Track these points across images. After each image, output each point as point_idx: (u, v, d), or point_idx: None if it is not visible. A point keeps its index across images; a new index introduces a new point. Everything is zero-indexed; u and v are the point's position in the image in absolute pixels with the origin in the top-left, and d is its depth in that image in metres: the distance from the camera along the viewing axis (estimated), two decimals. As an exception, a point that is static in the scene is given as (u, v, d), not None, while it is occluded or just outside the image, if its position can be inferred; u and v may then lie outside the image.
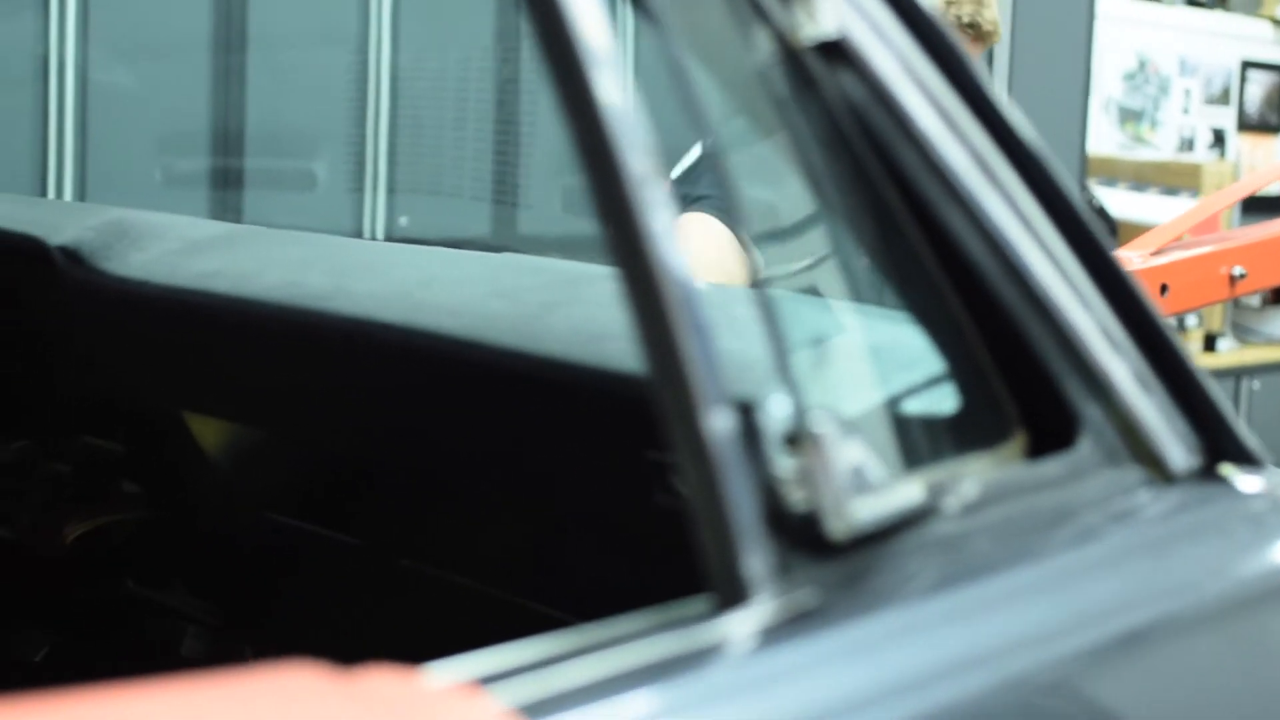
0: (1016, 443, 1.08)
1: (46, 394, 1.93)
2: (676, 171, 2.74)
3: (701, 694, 0.83)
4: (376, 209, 4.51)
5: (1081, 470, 1.08)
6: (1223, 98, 6.95)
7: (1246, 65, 7.01)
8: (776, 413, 0.90)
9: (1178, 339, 1.14)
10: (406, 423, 1.53)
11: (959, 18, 2.80)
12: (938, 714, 0.89)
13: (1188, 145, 6.85)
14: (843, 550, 0.91)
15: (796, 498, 0.89)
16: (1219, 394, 1.15)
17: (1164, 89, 6.74)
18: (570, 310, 1.42)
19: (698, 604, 0.89)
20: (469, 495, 1.52)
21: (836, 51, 0.99)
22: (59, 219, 1.89)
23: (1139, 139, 6.62)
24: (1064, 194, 1.09)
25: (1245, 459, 1.17)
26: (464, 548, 1.56)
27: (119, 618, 2.03)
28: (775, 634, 0.87)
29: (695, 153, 2.72)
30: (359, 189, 4.51)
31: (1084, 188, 5.88)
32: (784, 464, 0.89)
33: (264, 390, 1.67)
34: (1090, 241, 1.10)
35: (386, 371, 1.50)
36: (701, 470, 0.87)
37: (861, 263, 1.04)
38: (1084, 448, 1.09)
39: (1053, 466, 1.07)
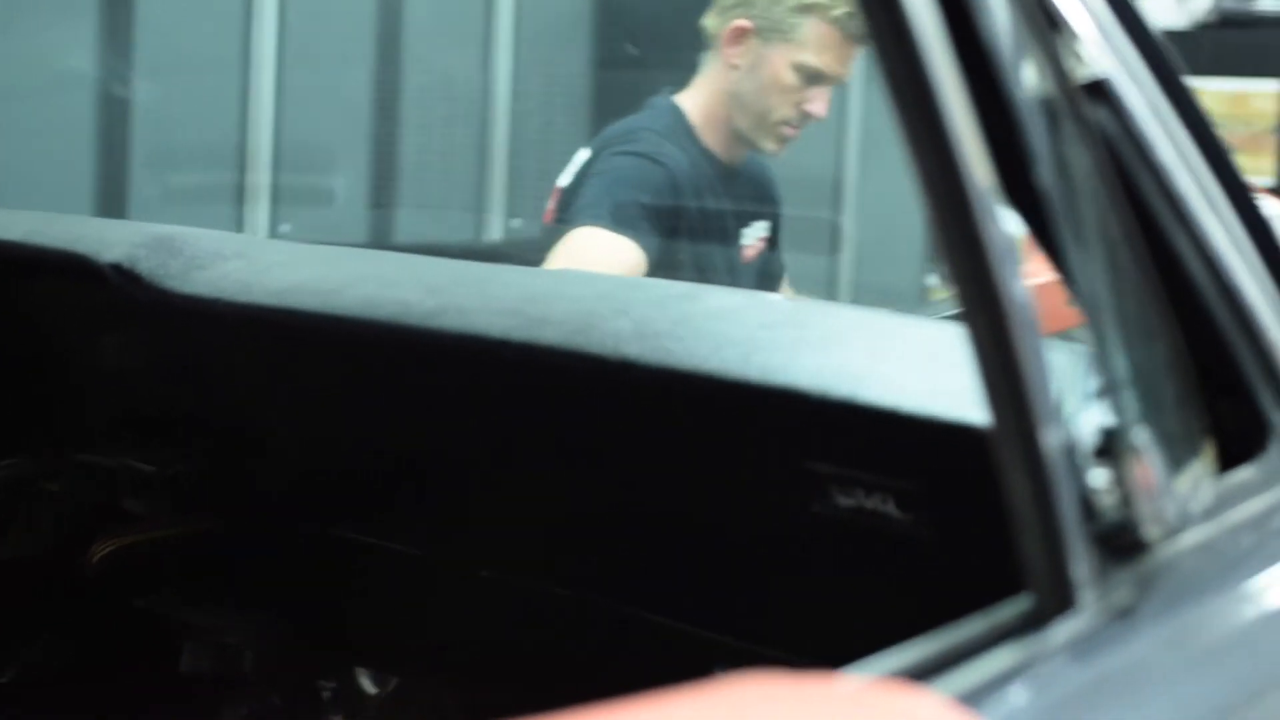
0: (1209, 452, 1.17)
1: (90, 410, 1.92)
2: (564, 180, 2.71)
3: (1076, 690, 0.90)
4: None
5: (1273, 475, 1.17)
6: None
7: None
8: (1088, 427, 0.97)
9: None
10: (531, 438, 1.56)
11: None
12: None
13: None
14: (1148, 553, 0.98)
15: (1109, 506, 0.96)
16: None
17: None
18: (700, 325, 1.47)
19: (1018, 607, 0.95)
20: (594, 508, 1.55)
21: (1098, 90, 1.06)
22: (99, 235, 1.88)
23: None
24: (1264, 221, 1.17)
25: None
26: (579, 558, 1.59)
27: (149, 636, 2.03)
28: (1104, 632, 0.94)
29: (581, 157, 2.71)
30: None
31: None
32: (1098, 475, 0.96)
33: (363, 406, 1.69)
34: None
35: (510, 385, 1.53)
36: (1031, 482, 0.93)
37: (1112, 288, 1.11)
38: (1274, 454, 1.17)
39: (1251, 472, 1.16)
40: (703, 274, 2.65)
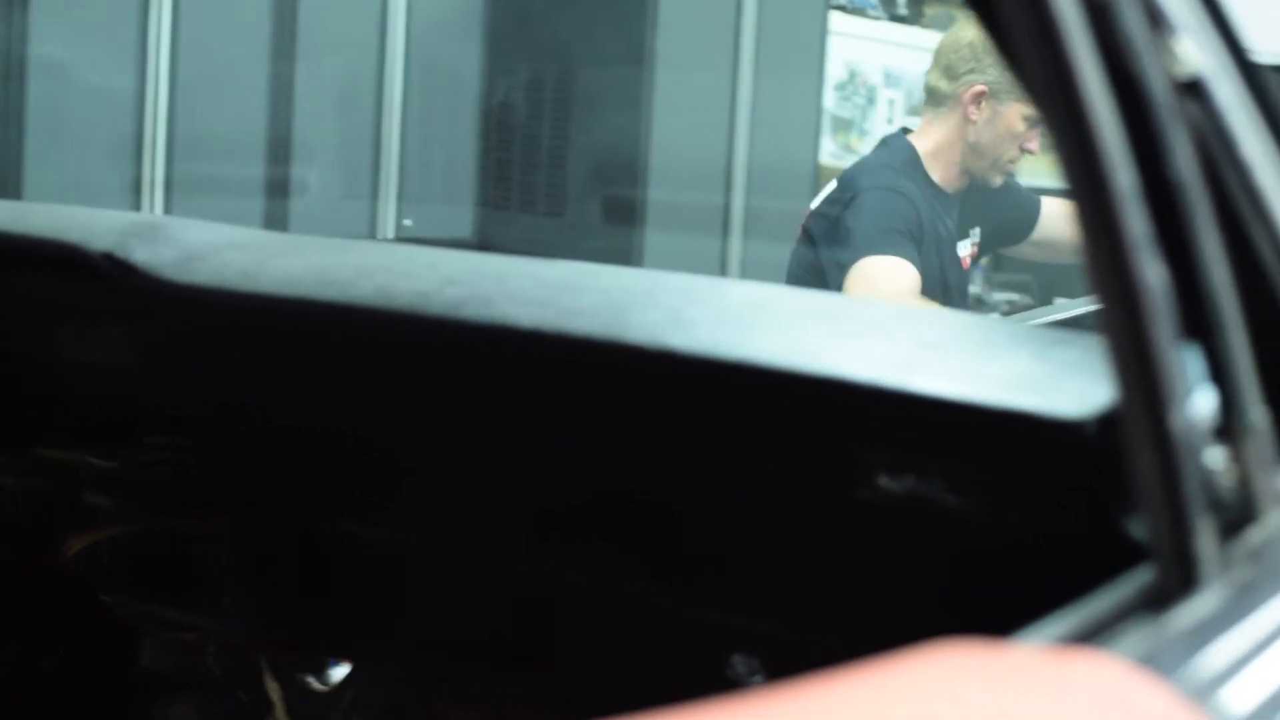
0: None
1: (83, 406, 1.90)
2: (815, 204, 3.35)
3: (1226, 661, 0.94)
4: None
5: None
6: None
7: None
8: (1205, 408, 1.01)
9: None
10: (563, 428, 1.57)
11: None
12: None
13: (891, 156, 7.19)
14: (1257, 529, 1.02)
15: (1228, 484, 1.00)
16: None
17: (872, 99, 7.07)
18: (737, 315, 1.49)
19: (1138, 582, 0.99)
20: (655, 505, 1.56)
21: (1193, 89, 1.10)
22: (84, 224, 1.86)
23: (848, 148, 6.92)
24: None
25: None
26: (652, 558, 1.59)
27: (112, 633, 2.01)
28: (1230, 608, 0.98)
29: (829, 188, 3.37)
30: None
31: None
32: (1215, 454, 1.00)
33: (376, 397, 1.68)
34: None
35: (543, 376, 1.54)
36: (1160, 462, 0.97)
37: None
38: None
39: None
40: (941, 282, 3.23)
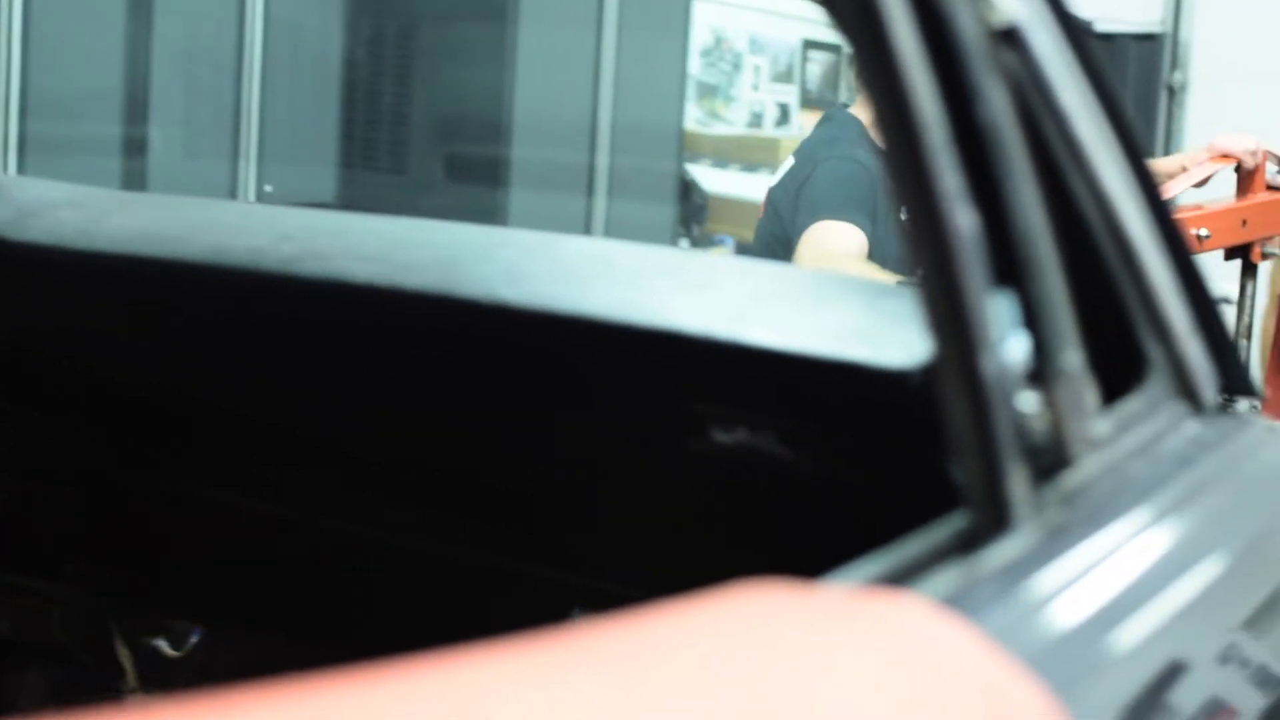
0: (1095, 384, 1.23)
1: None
2: (774, 182, 3.50)
3: (1034, 599, 0.95)
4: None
5: (1154, 406, 1.24)
6: (787, 75, 7.35)
7: (808, 45, 7.42)
8: (1017, 354, 1.01)
9: (1210, 289, 1.31)
10: (397, 383, 1.56)
11: None
12: (1195, 597, 1.03)
13: (757, 120, 7.22)
14: (1070, 474, 1.03)
15: (1040, 428, 1.01)
16: (1231, 336, 1.34)
17: (737, 65, 7.08)
18: (572, 270, 1.49)
19: (953, 526, 1.00)
20: (497, 455, 1.56)
21: (1010, 37, 1.11)
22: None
23: (715, 114, 6.93)
24: (1144, 162, 1.24)
25: (1246, 390, 1.36)
26: (489, 512, 1.59)
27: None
28: (1041, 550, 0.99)
29: (788, 164, 3.47)
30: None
31: (681, 163, 6.15)
32: (1028, 399, 1.01)
33: (210, 353, 1.66)
34: (1159, 202, 1.26)
35: (377, 330, 1.53)
36: (971, 407, 0.98)
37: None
38: (1154, 386, 1.24)
39: (1136, 403, 1.22)
40: (891, 244, 3.33)
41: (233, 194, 4.99)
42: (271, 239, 1.60)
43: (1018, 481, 0.99)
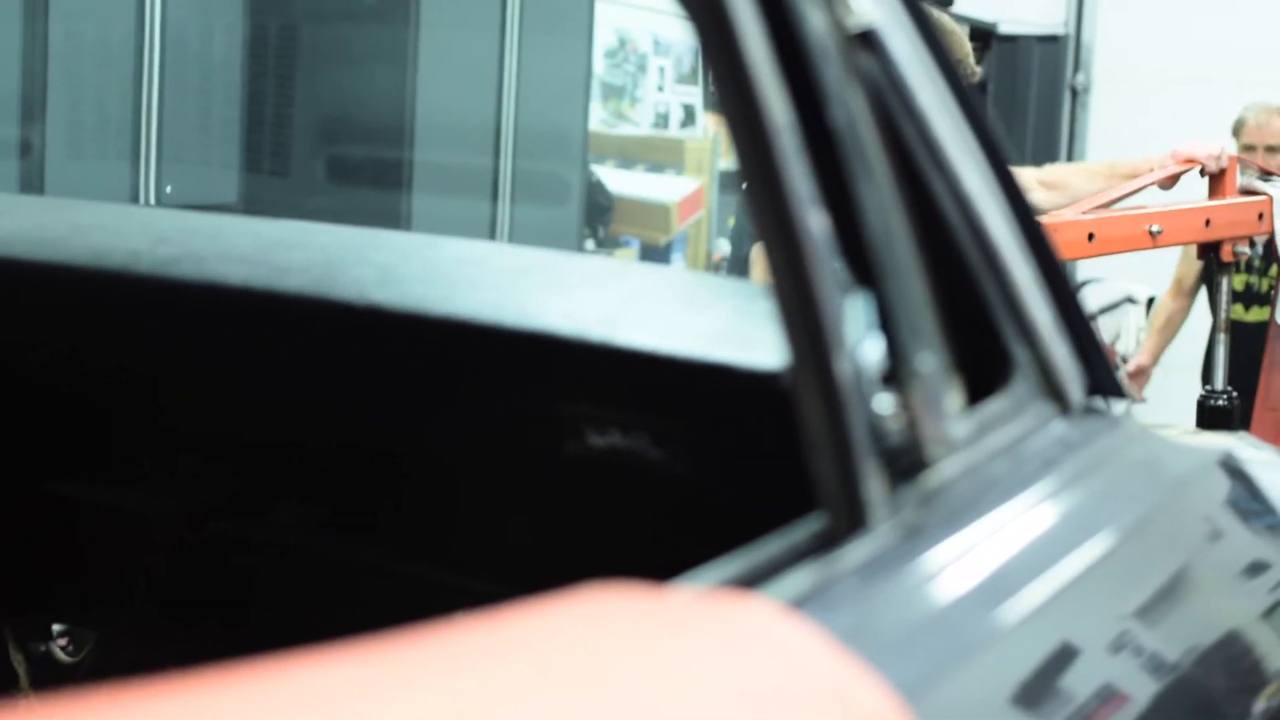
0: (959, 385, 1.24)
1: None
2: None
3: (884, 601, 0.95)
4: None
5: (1018, 405, 1.25)
6: (692, 76, 7.36)
7: (713, 47, 7.43)
8: (872, 355, 1.02)
9: (1075, 290, 1.32)
10: (272, 385, 1.55)
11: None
12: (1060, 594, 1.04)
13: (663, 121, 7.22)
14: (928, 475, 1.04)
15: (895, 430, 1.02)
16: (1100, 337, 1.35)
17: (642, 67, 7.08)
18: (447, 271, 1.49)
19: (810, 528, 1.00)
20: (368, 456, 1.55)
21: (866, 40, 1.12)
22: None
23: (620, 115, 6.93)
24: (1005, 163, 1.25)
25: (1114, 391, 1.37)
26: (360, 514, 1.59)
27: None
28: (901, 548, 1.00)
29: None
30: None
31: (586, 166, 6.14)
32: (883, 400, 1.02)
33: (87, 357, 1.65)
34: (1022, 204, 1.27)
35: (251, 333, 1.52)
36: (826, 408, 0.98)
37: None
38: (1018, 386, 1.25)
39: (1001, 404, 1.23)
40: None
41: (134, 193, 4.94)
42: (149, 241, 1.59)
43: (874, 482, 1.00)
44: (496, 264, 1.56)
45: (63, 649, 2.07)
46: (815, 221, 0.98)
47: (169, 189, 4.94)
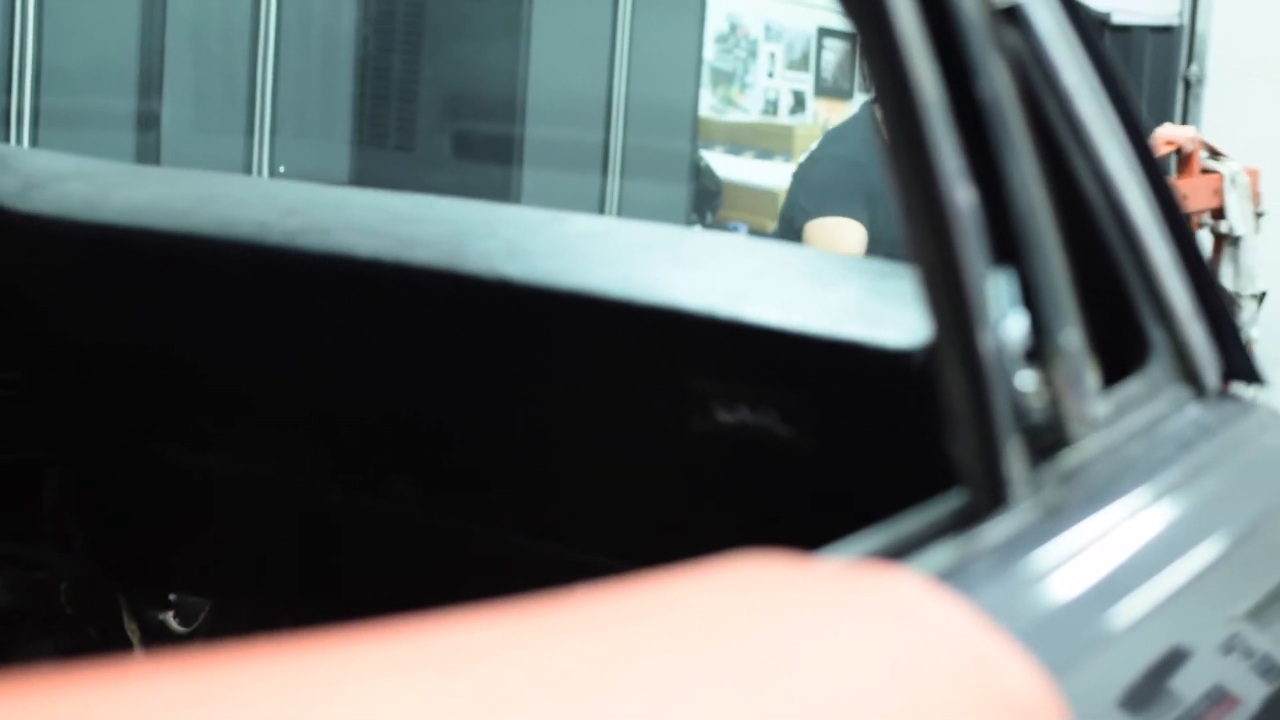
0: (1096, 365, 1.23)
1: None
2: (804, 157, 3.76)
3: (1026, 578, 0.95)
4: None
5: (1156, 389, 1.23)
6: (802, 63, 7.33)
7: (823, 33, 7.40)
8: (1016, 331, 1.01)
9: (1212, 271, 1.31)
10: (401, 358, 1.56)
11: None
12: (1190, 580, 1.03)
13: (772, 108, 7.19)
14: (1069, 454, 1.03)
15: (1038, 407, 1.01)
16: (1237, 321, 1.33)
17: (752, 53, 7.06)
18: (574, 246, 1.49)
19: (951, 504, 0.99)
20: (498, 435, 1.56)
21: (1012, 15, 1.11)
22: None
23: (730, 101, 6.91)
24: (1147, 144, 1.23)
25: (1250, 376, 1.35)
26: (493, 492, 1.59)
27: None
28: (1037, 529, 0.99)
29: (812, 147, 3.75)
30: None
31: (694, 147, 6.13)
32: (1026, 378, 1.01)
33: (216, 326, 1.67)
34: (1163, 186, 1.25)
35: (380, 305, 1.53)
36: (970, 384, 0.98)
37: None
38: (1155, 369, 1.24)
39: (1138, 385, 1.22)
40: (892, 229, 3.53)
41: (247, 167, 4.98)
42: (276, 213, 1.60)
43: (1015, 459, 0.99)
44: (622, 239, 1.56)
45: (176, 619, 2.09)
46: (962, 196, 0.97)
47: (281, 169, 4.98)
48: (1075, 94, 1.16)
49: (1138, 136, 1.23)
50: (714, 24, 6.82)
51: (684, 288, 1.40)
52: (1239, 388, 1.36)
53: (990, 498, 0.98)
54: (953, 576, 0.91)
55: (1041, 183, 1.08)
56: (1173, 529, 1.10)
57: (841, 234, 3.45)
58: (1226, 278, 4.23)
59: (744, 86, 6.96)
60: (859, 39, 0.96)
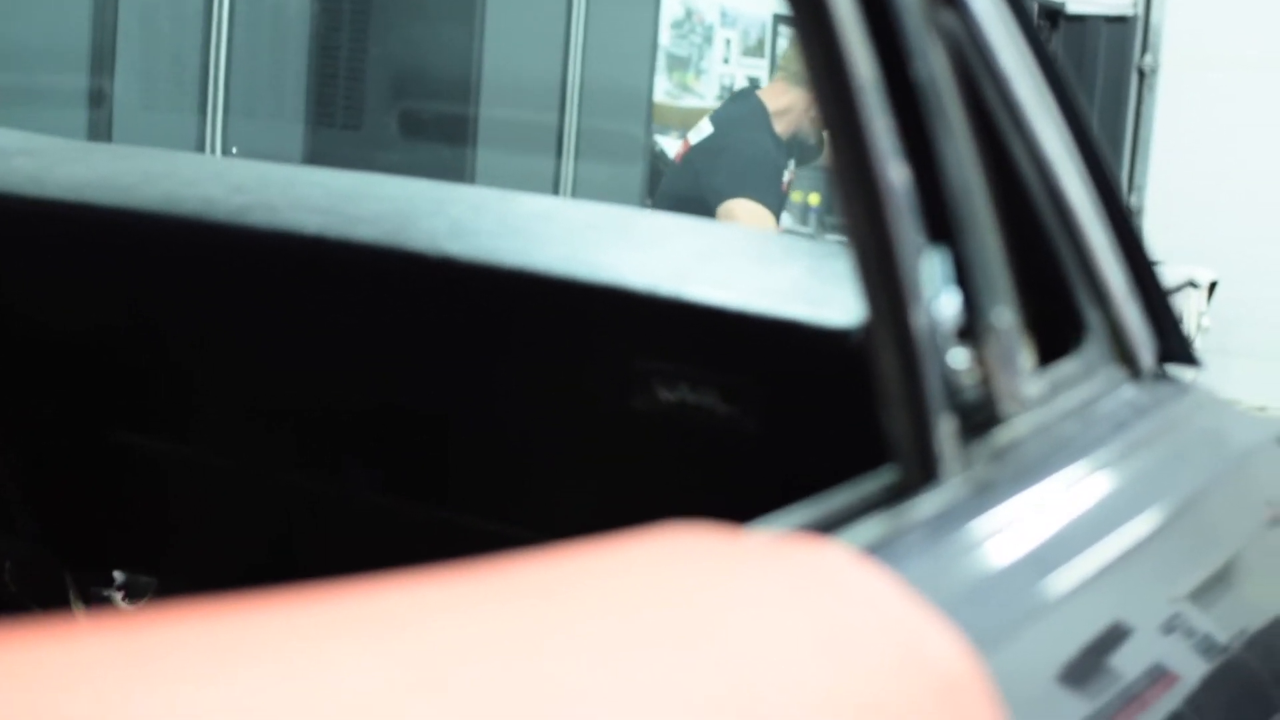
0: (1032, 345, 1.24)
1: None
2: (693, 138, 4.24)
3: (956, 549, 0.96)
4: None
5: (1091, 369, 1.25)
6: (758, 49, 7.34)
7: (779, 19, 7.41)
8: (948, 309, 1.02)
9: (1150, 252, 1.32)
10: (343, 335, 1.56)
11: None
12: (1123, 556, 1.04)
13: (727, 94, 7.20)
14: (1000, 431, 1.04)
15: (970, 384, 1.02)
16: (1173, 302, 1.35)
17: (708, 38, 7.07)
18: (520, 225, 1.49)
19: (883, 480, 1.01)
20: (446, 417, 1.56)
21: (949, -1, 1.12)
22: None
23: (685, 87, 6.92)
24: (1084, 124, 1.25)
25: (1186, 358, 1.37)
26: (442, 473, 1.59)
27: None
28: (967, 504, 1.00)
29: (706, 129, 4.22)
30: None
31: (649, 131, 6.14)
32: (958, 355, 1.02)
33: (157, 304, 1.66)
34: (1101, 168, 1.26)
35: (324, 282, 1.53)
36: (901, 360, 0.99)
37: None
38: (1090, 349, 1.25)
39: (1073, 365, 1.23)
40: (777, 211, 4.11)
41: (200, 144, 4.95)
42: (223, 190, 1.61)
43: (946, 436, 1.00)
44: (569, 219, 1.56)
45: (123, 597, 2.09)
46: (896, 175, 0.98)
47: (234, 150, 4.95)
48: (1012, 77, 1.17)
49: (1076, 121, 1.25)
50: (669, 9, 6.83)
51: (629, 267, 1.40)
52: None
53: (921, 473, 0.99)
54: (881, 550, 0.92)
55: (977, 164, 1.09)
56: (1104, 506, 1.12)
57: (756, 218, 3.93)
58: None
59: (699, 72, 6.97)
60: (794, 19, 0.97)
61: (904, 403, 0.99)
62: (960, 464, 1.01)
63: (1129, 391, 1.29)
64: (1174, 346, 1.35)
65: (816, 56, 0.97)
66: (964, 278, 1.03)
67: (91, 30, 4.54)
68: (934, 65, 1.06)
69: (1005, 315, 1.03)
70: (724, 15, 7.18)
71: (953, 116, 1.07)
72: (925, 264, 1.00)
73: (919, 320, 0.98)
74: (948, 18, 1.13)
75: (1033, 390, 1.13)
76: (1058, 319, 1.25)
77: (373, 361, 1.58)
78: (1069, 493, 1.09)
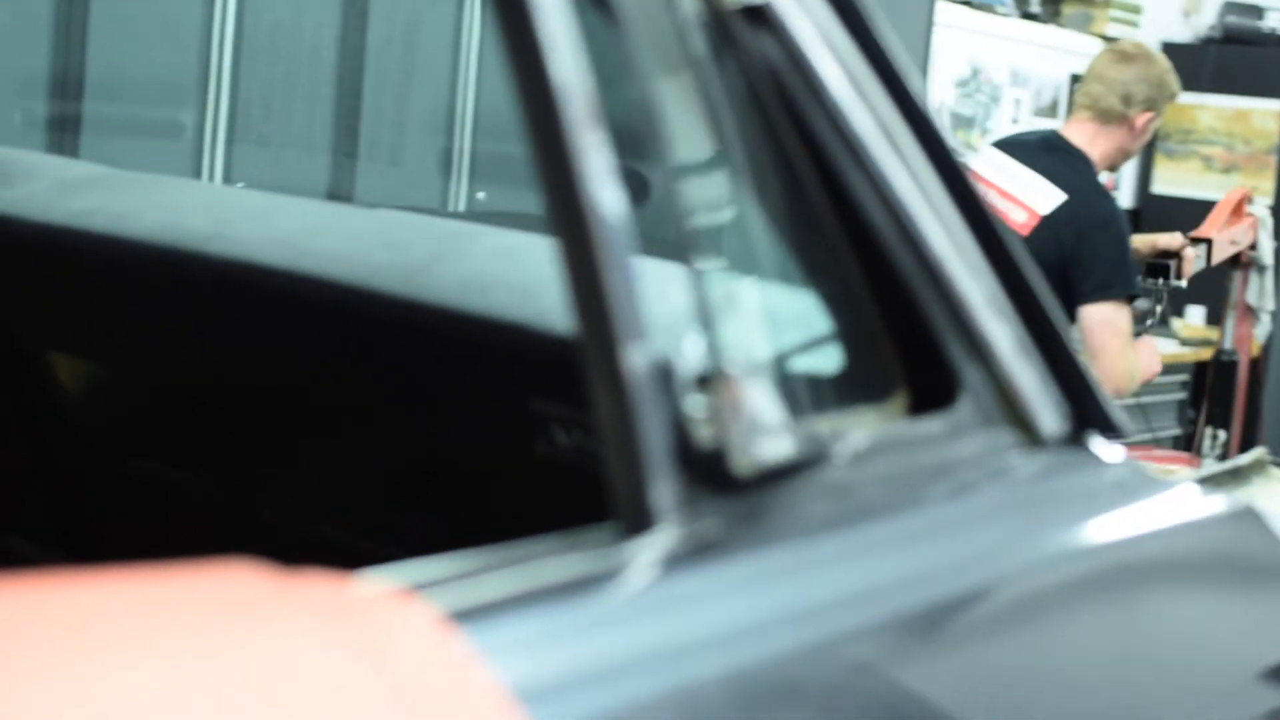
0: (899, 400, 1.13)
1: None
2: (1049, 208, 3.72)
3: (607, 613, 0.87)
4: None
5: (960, 429, 1.13)
6: (1051, 109, 7.12)
7: (1075, 79, 7.17)
8: (689, 353, 0.93)
9: (1056, 312, 1.20)
10: (281, 368, 1.54)
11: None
12: (827, 644, 0.93)
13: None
14: (745, 487, 0.95)
15: (705, 435, 0.93)
16: (1088, 366, 1.22)
17: (995, 98, 6.88)
18: (457, 263, 1.44)
19: (604, 529, 0.92)
20: (341, 444, 1.53)
21: (759, 16, 1.03)
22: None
23: (969, 146, 6.75)
24: (957, 165, 1.14)
25: (1110, 429, 1.23)
26: (330, 498, 1.57)
27: None
28: (678, 561, 0.91)
29: (1062, 198, 3.72)
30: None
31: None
32: (695, 402, 0.93)
33: (138, 331, 1.67)
34: (981, 212, 1.15)
35: (268, 316, 1.51)
36: (616, 402, 0.90)
37: (763, 223, 1.08)
38: (963, 408, 1.14)
39: (934, 424, 1.12)
40: None
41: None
42: (203, 220, 1.61)
43: (664, 488, 0.91)
44: (525, 258, 1.50)
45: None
46: (608, 200, 0.90)
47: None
48: (845, 106, 1.07)
49: (939, 150, 1.14)
50: (955, 70, 6.67)
51: (541, 305, 1.34)
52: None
53: (634, 524, 0.91)
54: (490, 610, 0.83)
55: (762, 194, 1.01)
56: (820, 588, 0.98)
57: (1127, 319, 3.64)
58: (1251, 295, 4.36)
59: (985, 131, 6.78)
60: (500, 30, 0.90)
61: (619, 447, 0.91)
62: (682, 518, 0.92)
63: (1012, 458, 1.17)
64: (1091, 413, 1.23)
65: (522, 68, 0.90)
66: (704, 321, 0.94)
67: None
68: (710, 88, 0.98)
69: (749, 363, 0.94)
70: (1014, 75, 6.98)
71: (730, 142, 0.99)
72: (655, 301, 0.91)
73: (634, 360, 0.90)
74: (762, 41, 1.05)
75: (839, 447, 1.03)
76: (926, 374, 1.14)
77: (295, 397, 1.55)
78: (811, 565, 0.97)
